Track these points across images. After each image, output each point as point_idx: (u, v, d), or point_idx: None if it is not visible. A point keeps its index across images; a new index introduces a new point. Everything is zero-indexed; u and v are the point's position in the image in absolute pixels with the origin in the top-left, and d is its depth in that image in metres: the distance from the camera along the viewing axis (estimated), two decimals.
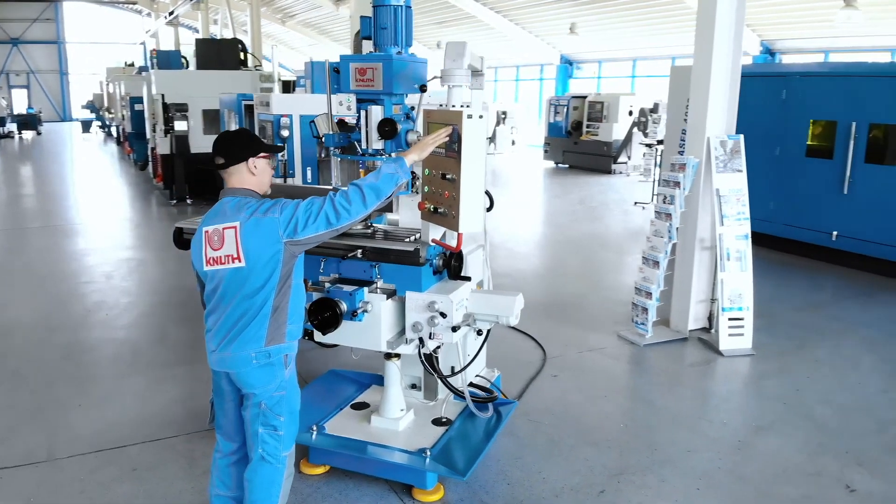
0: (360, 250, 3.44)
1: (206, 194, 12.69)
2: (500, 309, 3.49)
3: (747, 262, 5.84)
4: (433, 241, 3.34)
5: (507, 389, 4.76)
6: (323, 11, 27.56)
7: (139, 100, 15.60)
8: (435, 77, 3.23)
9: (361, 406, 4.24)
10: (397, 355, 3.86)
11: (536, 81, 25.25)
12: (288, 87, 12.91)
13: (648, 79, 20.96)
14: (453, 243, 3.29)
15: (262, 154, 2.98)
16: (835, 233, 8.33)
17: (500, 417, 4.09)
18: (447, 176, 2.98)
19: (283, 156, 5.64)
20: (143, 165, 16.34)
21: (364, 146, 3.53)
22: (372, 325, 3.38)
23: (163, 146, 12.55)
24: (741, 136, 5.93)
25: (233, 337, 2.88)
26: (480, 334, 3.90)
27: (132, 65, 23.56)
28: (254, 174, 2.97)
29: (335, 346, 3.74)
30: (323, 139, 3.73)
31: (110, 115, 24.49)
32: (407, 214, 3.90)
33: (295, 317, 2.99)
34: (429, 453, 3.63)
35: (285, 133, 5.57)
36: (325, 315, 3.26)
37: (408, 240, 3.50)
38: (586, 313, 6.80)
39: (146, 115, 14.07)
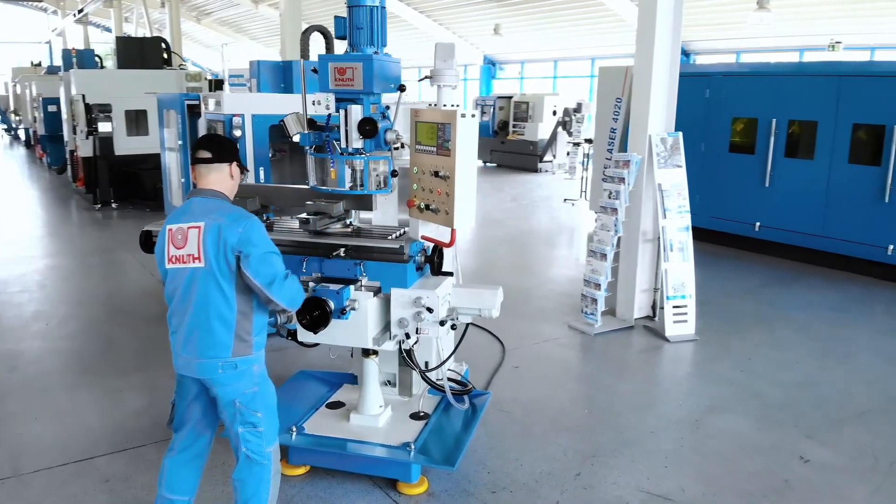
0: (342, 249, 3.48)
1: (131, 198, 12.25)
2: (482, 302, 3.59)
3: (689, 252, 6.18)
4: (423, 237, 3.41)
5: (472, 382, 4.87)
6: (241, 9, 26.97)
7: (53, 101, 14.86)
8: (426, 77, 3.30)
9: (337, 405, 4.25)
10: (375, 352, 3.91)
11: (461, 82, 25.54)
12: (216, 85, 12.64)
13: (570, 79, 21.58)
14: (445, 239, 3.37)
15: (238, 163, 3.05)
16: (758, 223, 8.86)
17: (476, 408, 4.20)
18: (439, 173, 3.06)
19: None
20: (62, 169, 15.56)
21: (344, 145, 3.55)
22: (359, 322, 3.42)
23: (84, 149, 12.01)
24: (680, 134, 6.25)
25: (197, 342, 2.85)
26: (454, 329, 3.98)
27: (39, 64, 22.37)
28: (232, 178, 3.02)
29: (317, 345, 3.74)
30: (296, 138, 3.74)
31: (17, 118, 23.15)
32: (380, 214, 3.94)
33: (260, 327, 2.98)
34: (413, 447, 3.70)
35: (238, 133, 5.48)
36: (314, 314, 3.27)
37: (390, 237, 3.55)
38: (534, 306, 7.01)
39: (64, 116, 13.43)
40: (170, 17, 18.68)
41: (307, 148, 3.74)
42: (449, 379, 4.28)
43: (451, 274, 3.63)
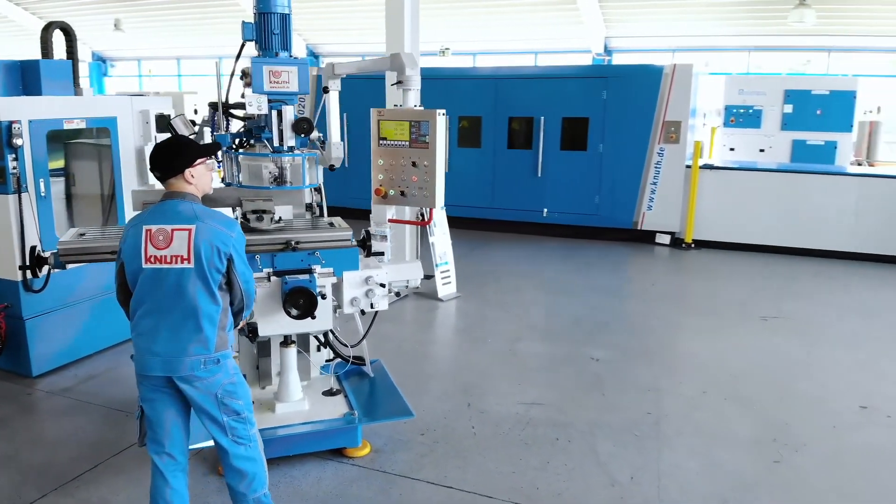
0: (294, 241, 3.72)
1: None
2: (409, 275, 4.17)
3: (445, 227, 7.38)
4: (390, 220, 3.85)
5: None
6: None
7: None
8: (399, 82, 3.69)
9: None
10: (294, 341, 4.16)
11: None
12: None
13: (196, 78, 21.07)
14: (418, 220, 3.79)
15: (197, 161, 3.03)
16: (545, 210, 10.30)
17: (379, 372, 4.70)
18: (415, 163, 3.57)
19: (14, 168, 4.80)
20: None
21: (277, 143, 3.75)
22: (323, 306, 3.71)
23: None
24: None
25: (181, 340, 2.92)
26: (398, 296, 4.37)
27: None
28: (191, 182, 3.01)
29: (269, 337, 3.87)
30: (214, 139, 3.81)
31: None
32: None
33: (231, 324, 3.15)
34: (356, 414, 4.12)
35: (19, 142, 4.75)
36: (300, 302, 3.50)
37: (337, 227, 3.89)
38: None
39: None
40: None
41: (228, 148, 3.81)
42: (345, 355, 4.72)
43: (382, 254, 4.11)
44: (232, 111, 4.09)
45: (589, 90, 9.88)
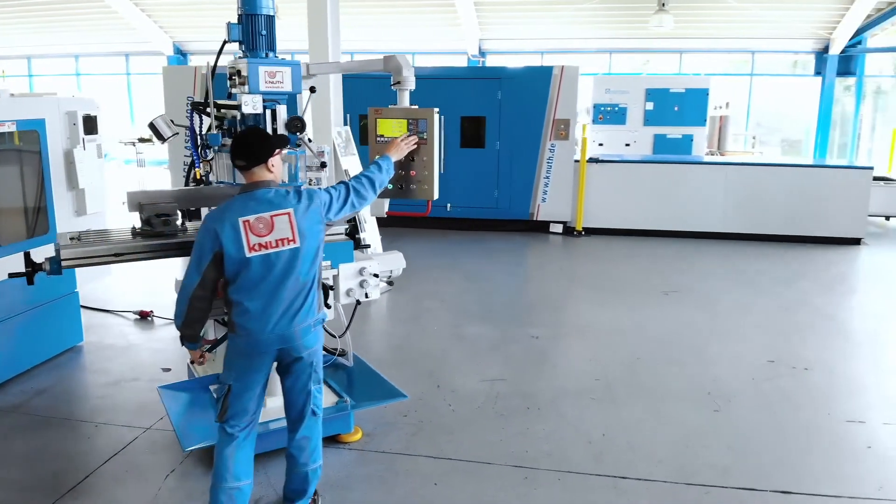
0: None
1: None
2: (393, 265, 4.40)
3: (374, 223, 7.58)
4: (388, 213, 4.05)
5: None
6: None
7: None
8: (397, 82, 3.87)
9: None
10: None
11: None
12: None
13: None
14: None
15: (276, 151, 3.26)
16: (448, 204, 10.52)
17: (356, 361, 4.88)
18: (414, 158, 3.81)
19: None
20: None
21: None
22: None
23: None
24: (347, 127, 7.53)
25: (295, 311, 3.18)
26: (391, 284, 4.57)
27: None
28: (272, 171, 3.24)
29: None
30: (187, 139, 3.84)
31: None
32: None
33: None
34: (349, 401, 4.31)
35: None
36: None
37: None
38: None
39: None
40: None
41: (217, 147, 3.87)
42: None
43: (369, 246, 4.31)
44: (207, 110, 4.12)
45: (485, 90, 10.43)
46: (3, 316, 5.03)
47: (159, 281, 7.97)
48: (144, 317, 6.52)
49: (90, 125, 5.66)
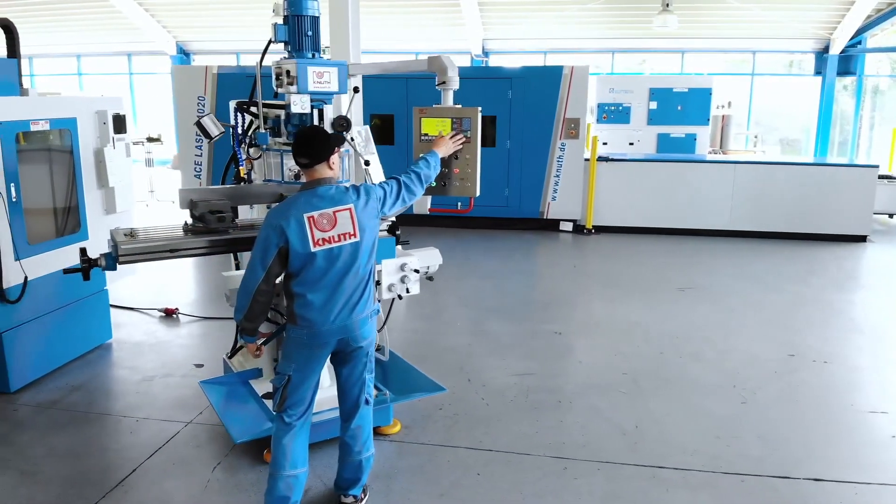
0: None
1: None
2: (431, 260, 4.48)
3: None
4: (430, 210, 4.13)
5: None
6: None
7: None
8: (442, 83, 3.94)
9: (268, 395, 4.45)
10: None
11: None
12: None
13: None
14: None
15: (336, 150, 3.36)
16: (459, 203, 10.47)
17: (393, 355, 4.95)
18: (457, 156, 3.90)
19: None
20: None
21: None
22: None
23: None
24: (368, 126, 7.58)
25: (354, 303, 3.32)
26: (430, 280, 4.63)
27: None
28: (332, 168, 3.34)
29: None
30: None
31: None
32: None
33: None
34: (388, 394, 4.40)
35: None
36: None
37: None
38: None
39: None
40: None
41: (263, 146, 3.95)
42: None
43: (408, 242, 4.39)
44: (252, 109, 4.21)
45: (495, 90, 10.52)
46: (37, 313, 5.09)
47: (178, 279, 8.06)
48: (170, 314, 6.58)
49: (119, 124, 5.72)
